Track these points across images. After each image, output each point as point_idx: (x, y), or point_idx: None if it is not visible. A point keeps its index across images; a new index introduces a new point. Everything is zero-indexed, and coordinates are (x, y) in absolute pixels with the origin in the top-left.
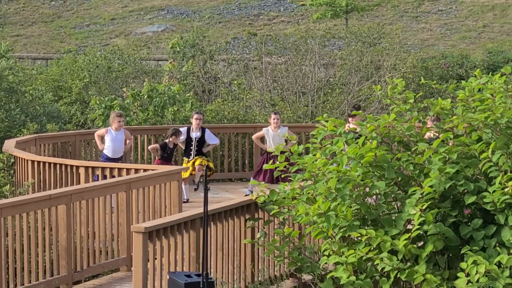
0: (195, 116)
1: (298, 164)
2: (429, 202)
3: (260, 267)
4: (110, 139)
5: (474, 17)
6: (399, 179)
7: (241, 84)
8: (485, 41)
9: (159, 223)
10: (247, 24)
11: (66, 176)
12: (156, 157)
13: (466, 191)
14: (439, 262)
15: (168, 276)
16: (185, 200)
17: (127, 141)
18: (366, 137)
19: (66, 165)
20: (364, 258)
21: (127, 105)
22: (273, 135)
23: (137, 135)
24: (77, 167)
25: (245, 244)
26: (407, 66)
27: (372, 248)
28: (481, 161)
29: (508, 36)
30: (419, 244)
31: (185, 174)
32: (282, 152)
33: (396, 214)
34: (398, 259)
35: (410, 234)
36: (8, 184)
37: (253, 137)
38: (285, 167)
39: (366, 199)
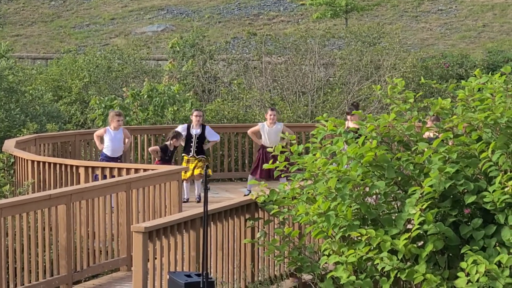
0: (195, 113)
1: (298, 164)
2: (429, 202)
3: (260, 267)
4: (109, 139)
5: (474, 17)
6: (399, 179)
7: (241, 84)
8: (485, 40)
9: (159, 223)
10: (247, 24)
11: (66, 176)
12: (156, 159)
13: (466, 190)
14: (439, 261)
15: (168, 276)
16: (185, 200)
17: (126, 140)
18: (366, 136)
19: (66, 165)
20: (364, 257)
21: (127, 105)
22: (268, 131)
23: (137, 135)
24: (77, 167)
25: (245, 244)
26: (407, 65)
27: (372, 248)
28: (481, 161)
29: (508, 35)
30: (419, 244)
31: (186, 176)
32: (282, 152)
33: (396, 214)
34: (398, 259)
35: (410, 233)
36: (8, 184)
37: (249, 131)
38: (285, 166)
39: (366, 199)
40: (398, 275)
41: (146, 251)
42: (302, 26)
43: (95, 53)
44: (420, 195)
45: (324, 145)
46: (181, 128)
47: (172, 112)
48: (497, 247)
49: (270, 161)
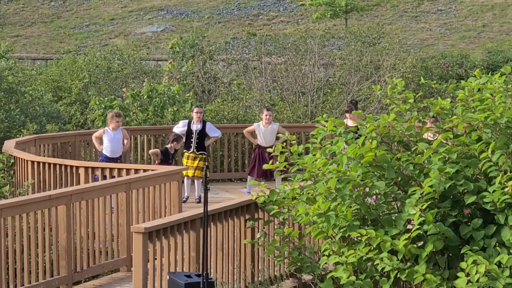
0: (196, 109)
1: (298, 164)
2: (429, 202)
3: (260, 267)
4: (108, 139)
5: (474, 17)
6: (399, 179)
7: (241, 84)
8: (485, 40)
9: (159, 223)
10: (247, 24)
11: (66, 177)
12: (156, 161)
13: (466, 191)
14: (439, 262)
15: (168, 277)
16: (185, 199)
17: (125, 141)
18: (366, 137)
19: (66, 166)
20: (364, 258)
21: (126, 105)
22: (264, 131)
23: (137, 135)
24: (77, 167)
25: (245, 244)
26: (407, 66)
27: (372, 248)
28: (481, 161)
29: (508, 35)
30: (419, 244)
31: (188, 172)
32: (282, 152)
33: (396, 214)
34: (398, 259)
35: (410, 234)
36: (8, 185)
37: (244, 131)
38: (284, 167)
39: (366, 199)
40: (398, 276)
41: (146, 252)
42: (301, 26)
43: (95, 53)
44: (420, 196)
45: (324, 146)
46: (182, 124)
47: (172, 112)
48: (497, 247)
49: (270, 161)
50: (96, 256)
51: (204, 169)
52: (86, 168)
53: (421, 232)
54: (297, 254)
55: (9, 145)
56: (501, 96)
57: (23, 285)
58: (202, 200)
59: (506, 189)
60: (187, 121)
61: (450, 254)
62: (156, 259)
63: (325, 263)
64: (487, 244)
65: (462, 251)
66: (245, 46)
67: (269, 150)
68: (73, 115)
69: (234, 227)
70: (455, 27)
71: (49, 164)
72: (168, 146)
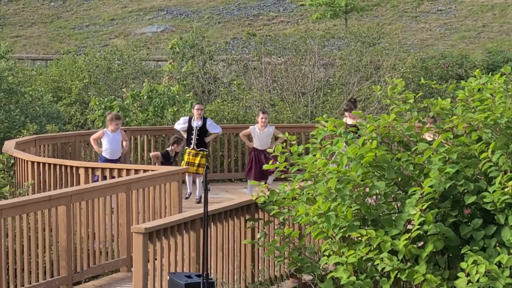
0: (196, 106)
1: (298, 165)
2: (429, 202)
3: (260, 268)
4: (107, 141)
5: (474, 17)
6: (399, 179)
7: (241, 85)
8: (485, 41)
9: (159, 223)
10: (247, 25)
11: (66, 177)
12: (157, 164)
13: (466, 191)
14: (439, 262)
15: (168, 277)
16: (187, 196)
17: (124, 143)
18: (366, 137)
19: (66, 166)
20: (364, 258)
21: (126, 105)
22: (259, 134)
23: (137, 136)
24: (77, 167)
25: (245, 244)
26: (407, 66)
27: (372, 248)
28: (481, 161)
29: (508, 35)
30: (419, 244)
31: (190, 169)
32: (282, 153)
33: (396, 214)
34: (398, 259)
35: (410, 234)
36: (8, 185)
37: (240, 134)
38: (285, 167)
39: (366, 199)
40: (398, 276)
41: (146, 252)
42: (301, 26)
43: (94, 54)
44: (420, 196)
45: (324, 146)
46: (182, 120)
47: (172, 112)
48: (497, 248)
49: (270, 162)
50: (96, 256)
51: (204, 170)
52: (86, 168)
53: (421, 232)
54: (297, 254)
55: (9, 146)
56: (501, 96)
57: (23, 285)
58: (202, 200)
59: (506, 189)
60: (187, 117)
61: (450, 254)
62: (156, 259)
63: (325, 263)
64: (487, 244)
65: (462, 251)
66: (245, 46)
67: (269, 150)
68: (73, 116)
69: (234, 228)
70: (455, 27)
71: (49, 164)
72: (169, 149)
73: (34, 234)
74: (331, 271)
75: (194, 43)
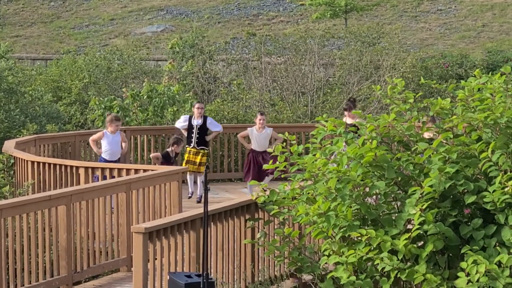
0: (197, 105)
1: (298, 164)
2: (429, 202)
3: (260, 267)
4: (107, 142)
5: (473, 17)
6: (399, 179)
7: (241, 84)
8: (484, 40)
9: (159, 223)
10: (246, 24)
11: (66, 177)
12: (157, 164)
13: (466, 190)
14: (439, 261)
15: (168, 277)
16: (190, 195)
17: (123, 145)
18: (366, 137)
19: (66, 166)
20: (364, 258)
21: (126, 105)
22: (257, 136)
23: (137, 135)
24: (77, 167)
25: (245, 244)
26: (407, 65)
27: (372, 248)
28: (481, 161)
29: (507, 35)
30: (419, 244)
31: (190, 167)
32: (282, 152)
33: (396, 214)
34: (398, 259)
35: (410, 234)
36: (8, 185)
37: (238, 136)
38: (285, 167)
39: (366, 199)
40: (398, 275)
41: (146, 252)
42: (301, 26)
43: (94, 53)
44: (420, 195)
45: (324, 146)
46: (183, 119)
47: (171, 112)
48: (497, 247)
49: (270, 162)
50: (96, 256)
51: (204, 170)
52: (86, 168)
53: (421, 232)
54: (297, 254)
55: (9, 145)
56: (501, 96)
57: (23, 285)
58: (203, 200)
59: (506, 189)
60: (188, 116)
61: (450, 254)
62: (156, 259)
63: (325, 263)
64: (487, 244)
65: (462, 251)
66: (245, 46)
67: (269, 150)
68: (73, 115)
69: (234, 227)
70: (455, 27)
71: (49, 164)
72: (169, 149)
73: (34, 234)
74: (331, 271)
75: (194, 43)
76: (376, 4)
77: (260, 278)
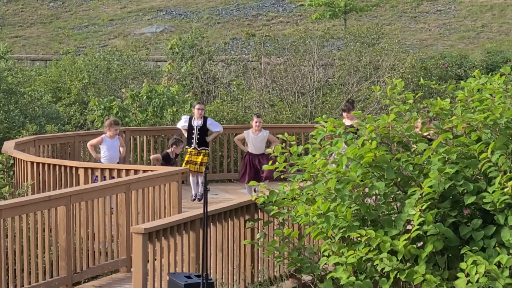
0: (197, 106)
1: (298, 165)
2: (428, 203)
3: (259, 268)
4: (106, 148)
5: (473, 17)
6: (399, 180)
7: (240, 85)
8: (484, 41)
9: (158, 224)
10: (246, 25)
11: (65, 177)
12: (157, 165)
13: (465, 191)
14: (439, 262)
15: (168, 277)
16: (193, 197)
17: (121, 149)
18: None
19: (65, 166)
20: (363, 258)
21: (126, 106)
22: (254, 138)
23: (136, 136)
24: (77, 168)
25: (244, 245)
26: (406, 66)
27: (371, 249)
28: (480, 161)
29: (507, 36)
30: (419, 245)
31: (191, 167)
32: (282, 153)
33: (396, 215)
34: (397, 260)
35: (409, 234)
36: (7, 186)
37: (235, 139)
38: (284, 167)
39: (365, 200)
40: (398, 276)
41: (145, 252)
42: (301, 27)
43: (94, 54)
44: (420, 196)
45: (324, 146)
46: (184, 119)
47: (171, 113)
48: (497, 248)
49: (270, 162)
50: (96, 256)
51: (204, 170)
52: (86, 168)
53: (421, 233)
54: (296, 254)
55: (9, 146)
56: (501, 97)
57: (23, 286)
58: (202, 200)
59: (505, 190)
60: (188, 116)
61: (450, 255)
62: (156, 259)
63: (325, 264)
64: (487, 244)
65: (461, 252)
66: (244, 47)
67: (268, 150)
68: (72, 116)
69: (233, 228)
70: (454, 28)
71: (49, 164)
72: (169, 150)
73: (34, 235)
74: (330, 272)
75: (193, 44)
76: (376, 4)
77: (259, 279)
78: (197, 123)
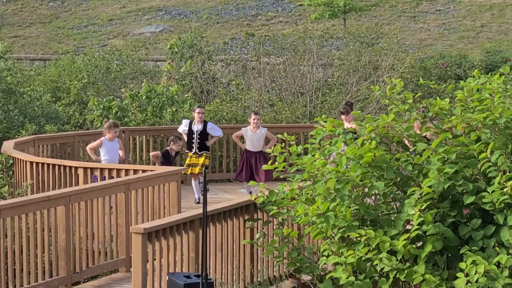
0: (197, 110)
1: (297, 165)
2: (428, 203)
3: (259, 268)
4: (106, 151)
5: (472, 17)
6: (398, 180)
7: (239, 85)
8: (483, 40)
9: (158, 224)
10: (245, 25)
11: (64, 177)
12: (156, 163)
13: (465, 191)
14: (438, 262)
15: (167, 277)
16: (197, 201)
17: (120, 152)
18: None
19: (64, 166)
20: (363, 258)
21: (125, 105)
22: (252, 136)
23: (136, 136)
24: (76, 168)
25: (244, 244)
26: (405, 66)
27: (371, 249)
28: (480, 161)
29: (506, 35)
30: (418, 244)
31: (194, 170)
32: (281, 153)
33: (395, 215)
34: (397, 259)
35: (409, 234)
36: (7, 185)
37: (233, 136)
38: (284, 167)
39: (365, 200)
40: (397, 276)
41: (145, 252)
42: (300, 26)
43: (93, 54)
44: (419, 196)
45: (323, 146)
46: (184, 123)
47: (170, 113)
48: (496, 248)
49: (269, 162)
50: (95, 256)
51: (204, 170)
52: (85, 168)
53: (420, 233)
54: (296, 254)
55: (8, 146)
56: (500, 96)
57: (23, 285)
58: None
59: (505, 189)
60: (188, 121)
61: (449, 254)
62: (155, 259)
63: (324, 264)
64: (486, 244)
65: (461, 252)
66: (243, 47)
67: (268, 150)
68: (71, 116)
69: (233, 228)
70: (454, 27)
71: (48, 164)
72: (168, 148)
73: (33, 235)
74: (330, 271)
75: (193, 43)
76: (375, 4)
77: (259, 279)
78: (197, 127)
